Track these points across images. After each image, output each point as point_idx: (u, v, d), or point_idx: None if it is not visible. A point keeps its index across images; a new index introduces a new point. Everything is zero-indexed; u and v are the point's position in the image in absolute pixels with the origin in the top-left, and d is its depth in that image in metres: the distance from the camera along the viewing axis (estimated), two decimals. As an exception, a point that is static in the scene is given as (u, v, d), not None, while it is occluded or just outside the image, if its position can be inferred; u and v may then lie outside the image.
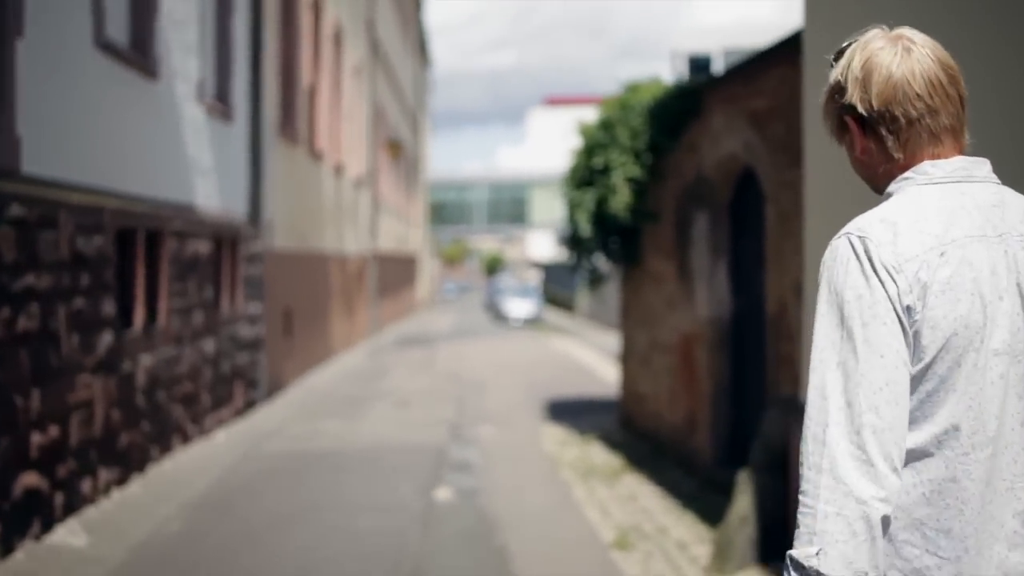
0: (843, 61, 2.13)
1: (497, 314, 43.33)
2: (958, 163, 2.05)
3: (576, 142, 13.03)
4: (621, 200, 11.58)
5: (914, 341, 1.91)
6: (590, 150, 12.27)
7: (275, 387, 16.66)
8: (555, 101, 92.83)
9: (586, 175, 12.38)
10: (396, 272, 39.02)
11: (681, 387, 11.12)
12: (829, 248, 2.00)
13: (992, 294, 1.94)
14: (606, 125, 11.99)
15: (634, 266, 12.87)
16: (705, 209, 10.41)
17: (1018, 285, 1.98)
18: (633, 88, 12.08)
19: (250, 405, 15.06)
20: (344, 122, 25.61)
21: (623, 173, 11.53)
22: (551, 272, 58.54)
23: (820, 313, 1.95)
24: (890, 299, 1.89)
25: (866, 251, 1.93)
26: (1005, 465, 1.94)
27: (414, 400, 16.07)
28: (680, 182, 11.04)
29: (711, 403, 10.25)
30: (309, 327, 20.41)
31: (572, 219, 12.75)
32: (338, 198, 24.52)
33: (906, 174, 2.07)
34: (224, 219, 13.87)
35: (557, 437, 12.77)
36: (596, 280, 14.01)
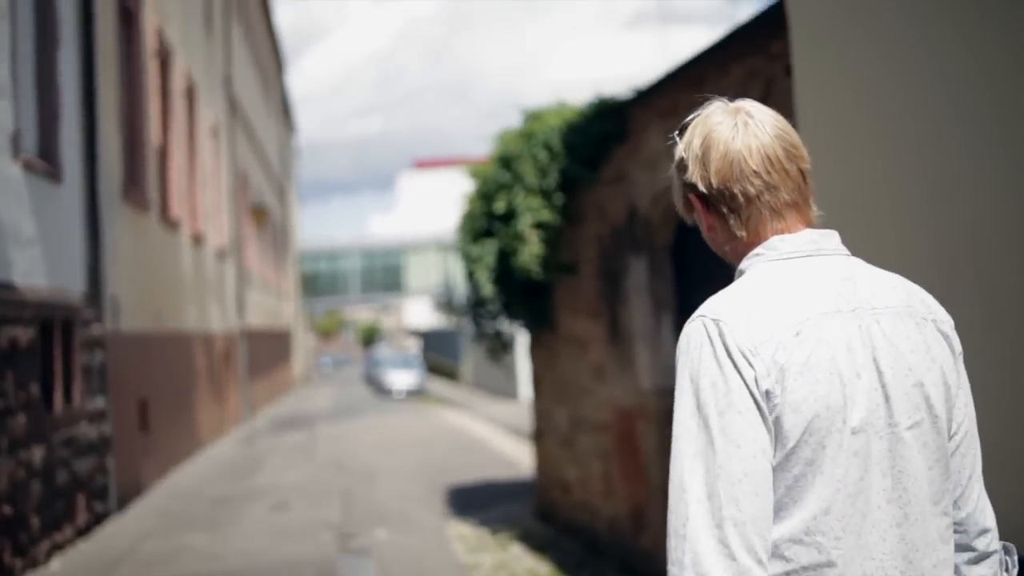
0: (685, 137, 2.11)
1: (378, 387, 41.09)
2: (807, 237, 2.02)
3: (465, 188, 11.10)
4: (530, 251, 9.61)
5: (775, 426, 1.85)
6: (487, 194, 10.32)
7: (130, 494, 14.24)
8: (425, 164, 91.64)
9: (483, 224, 10.42)
10: (269, 349, 36.55)
11: (620, 474, 9.15)
12: (684, 332, 1.93)
13: (850, 371, 1.89)
14: (506, 162, 10.03)
15: (545, 330, 10.92)
16: (642, 255, 8.52)
17: (874, 360, 1.92)
18: (535, 116, 10.18)
19: (98, 520, 12.64)
20: (202, 187, 23.33)
21: (530, 218, 9.57)
22: (431, 339, 56.56)
23: (677, 402, 1.90)
24: (746, 385, 1.84)
25: (720, 335, 1.87)
26: (873, 544, 1.88)
27: (293, 499, 13.80)
28: (604, 224, 9.13)
29: (664, 493, 8.26)
30: (171, 418, 18.00)
31: (470, 278, 10.77)
32: (199, 271, 22.18)
33: (756, 250, 2.03)
34: (53, 298, 11.56)
35: (468, 539, 10.66)
36: (500, 347, 12.03)
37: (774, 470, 1.86)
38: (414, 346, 72.14)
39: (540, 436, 11.61)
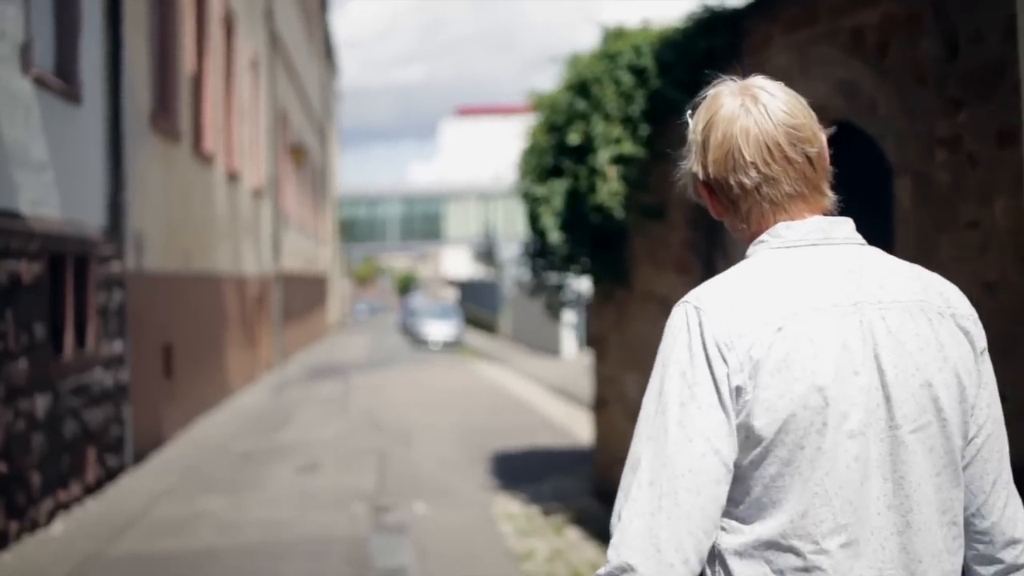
0: (691, 123, 2.00)
1: (414, 337, 39.99)
2: (814, 224, 1.91)
3: (530, 119, 9.80)
4: (609, 189, 8.25)
5: (747, 423, 1.78)
6: (557, 125, 8.98)
7: (149, 445, 13.17)
8: (467, 111, 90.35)
9: (551, 160, 9.08)
10: (304, 294, 35.51)
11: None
12: (672, 312, 1.88)
13: (845, 370, 1.79)
14: (581, 88, 8.65)
15: (618, 285, 9.64)
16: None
17: (876, 358, 1.82)
18: (617, 35, 8.82)
19: (111, 475, 11.57)
20: (239, 123, 22.15)
21: (610, 152, 8.20)
22: (468, 290, 55.44)
23: (651, 379, 1.86)
24: (715, 381, 1.78)
25: (699, 325, 1.81)
26: (871, 552, 1.79)
27: (323, 459, 12.66)
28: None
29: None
30: (197, 364, 16.93)
31: (533, 222, 9.49)
32: (233, 210, 21.05)
33: (761, 237, 1.94)
34: (66, 231, 10.41)
35: (516, 519, 9.46)
36: (564, 304, 10.81)
37: (748, 467, 1.80)
38: (451, 296, 71.25)
39: (602, 405, 10.39)
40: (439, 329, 38.44)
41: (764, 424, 1.77)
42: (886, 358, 1.82)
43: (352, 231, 66.54)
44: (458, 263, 75.82)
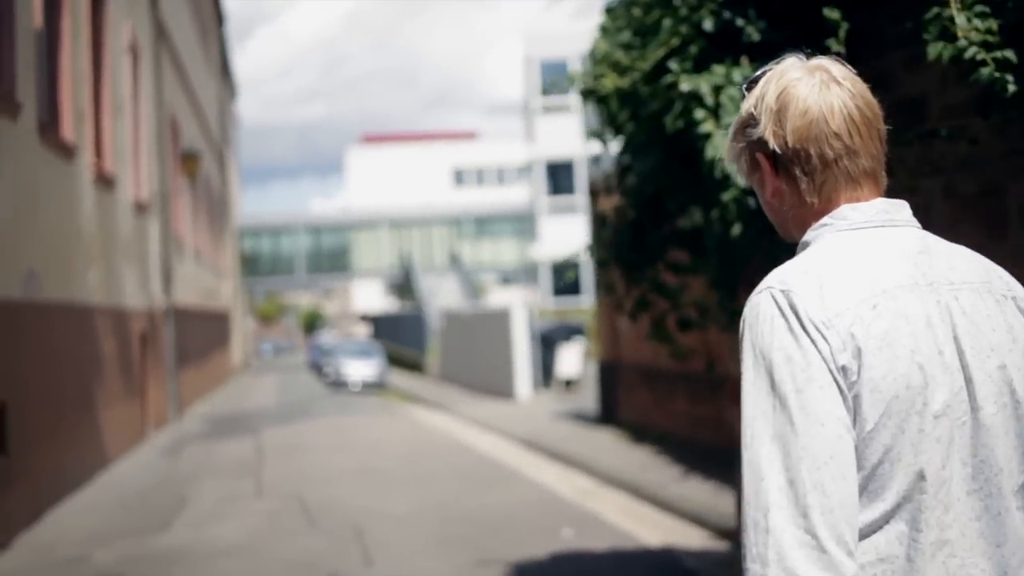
0: (756, 91, 1.95)
1: (330, 379, 35.28)
2: (879, 206, 1.89)
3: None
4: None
5: (854, 406, 1.70)
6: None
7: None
8: (373, 139, 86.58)
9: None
10: (203, 332, 30.64)
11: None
12: (748, 305, 1.80)
13: (931, 349, 1.75)
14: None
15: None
16: None
17: (955, 339, 1.78)
18: None
19: None
20: (114, 117, 17.46)
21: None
22: (386, 325, 50.91)
23: (746, 380, 1.74)
24: (824, 359, 1.69)
25: (791, 306, 1.74)
26: (955, 539, 1.73)
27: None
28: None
29: None
30: (52, 430, 12.21)
31: (629, 142, 5.32)
32: (107, 225, 16.33)
33: (823, 220, 1.89)
34: None
35: None
36: (692, 325, 6.54)
37: None
38: (364, 332, 66.83)
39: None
40: (359, 369, 33.89)
41: (870, 406, 1.70)
42: (964, 339, 1.78)
43: (255, 265, 61.63)
44: (370, 296, 71.32)
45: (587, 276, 40.01)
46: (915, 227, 1.89)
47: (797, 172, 1.88)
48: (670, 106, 4.93)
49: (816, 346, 1.69)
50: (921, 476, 1.70)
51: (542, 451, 14.77)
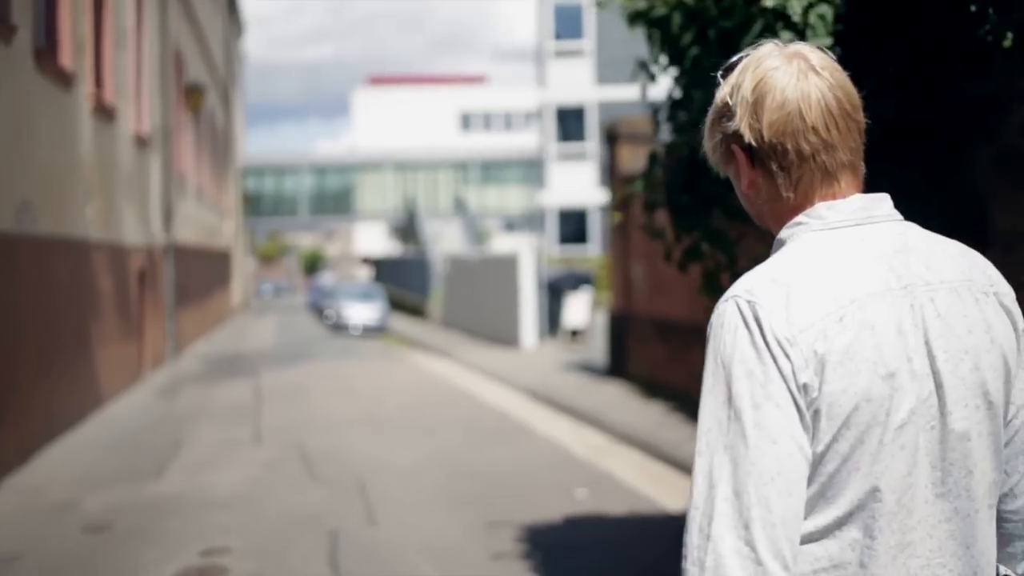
0: (732, 79, 1.87)
1: (331, 321, 34.83)
2: (856, 203, 1.83)
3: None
4: None
5: (813, 422, 1.70)
6: None
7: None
8: (380, 81, 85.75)
9: None
10: (203, 271, 30.18)
11: None
12: (715, 311, 1.77)
13: (898, 358, 1.73)
14: None
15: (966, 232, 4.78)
16: None
17: (926, 343, 1.76)
18: None
19: None
20: (116, 46, 16.88)
21: None
22: (388, 268, 50.35)
23: (706, 387, 1.75)
24: (783, 378, 1.68)
25: (756, 319, 1.71)
26: (919, 541, 1.75)
27: (228, 544, 7.63)
28: None
29: None
30: (44, 367, 11.78)
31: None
32: (106, 158, 15.82)
33: (798, 219, 1.84)
34: None
35: None
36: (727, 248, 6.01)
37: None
38: (365, 275, 66.39)
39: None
40: (361, 312, 33.42)
41: (828, 420, 1.69)
42: (936, 343, 1.77)
43: (258, 205, 61.02)
44: (372, 239, 70.69)
45: (594, 224, 39.52)
46: (896, 220, 1.85)
47: (773, 167, 1.83)
48: (748, 25, 4.40)
49: (777, 363, 1.69)
50: (876, 486, 1.71)
51: (550, 403, 14.33)
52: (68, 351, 13.12)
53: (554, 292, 23.73)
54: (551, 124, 39.46)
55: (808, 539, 1.72)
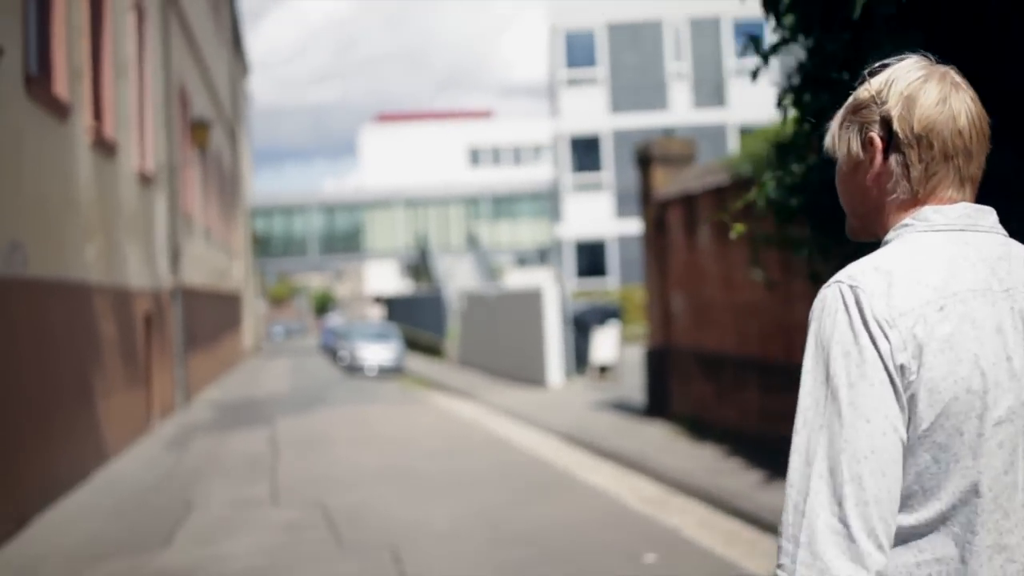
0: (882, 77, 1.93)
1: (345, 363, 33.77)
2: (962, 210, 1.88)
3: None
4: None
5: (909, 405, 1.73)
6: None
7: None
8: (388, 118, 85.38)
9: None
10: (214, 314, 29.20)
11: None
12: (818, 296, 1.83)
13: (997, 355, 1.75)
14: None
15: None
16: None
17: None
18: None
19: None
20: (117, 78, 15.95)
21: None
22: (401, 307, 49.34)
23: (806, 368, 1.79)
24: (881, 357, 1.72)
25: (857, 302, 1.76)
26: (1016, 545, 1.76)
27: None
28: None
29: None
30: (39, 425, 10.74)
31: None
32: (108, 196, 14.84)
33: (905, 220, 1.89)
34: None
35: None
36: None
37: (904, 453, 1.74)
38: (377, 314, 65.50)
39: None
40: (376, 353, 32.34)
41: (927, 407, 1.72)
42: None
43: (267, 246, 60.16)
44: (384, 278, 69.82)
45: (612, 255, 38.50)
46: (1000, 233, 1.88)
47: (914, 158, 1.86)
48: None
49: (875, 343, 1.71)
50: (978, 480, 1.72)
51: (589, 448, 13.21)
52: (68, 403, 12.10)
53: (580, 327, 22.65)
54: (565, 154, 38.51)
55: (914, 534, 1.73)
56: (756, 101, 37.26)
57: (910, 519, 1.73)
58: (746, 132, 28.04)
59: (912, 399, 1.71)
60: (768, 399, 11.49)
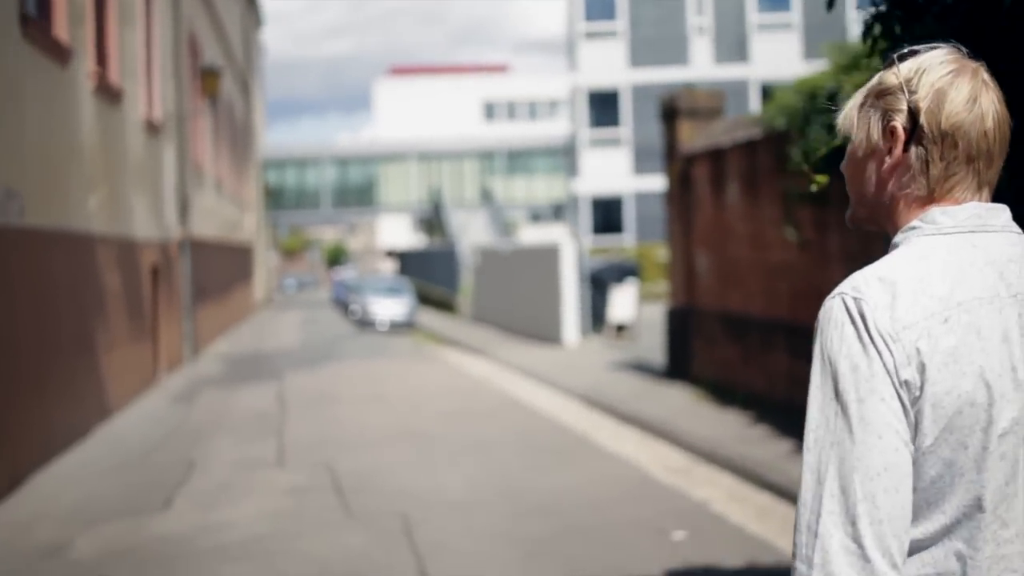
0: (912, 64, 1.83)
1: (356, 317, 33.34)
2: (971, 210, 1.79)
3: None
4: None
5: (916, 420, 1.69)
6: None
7: None
8: (402, 71, 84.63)
9: None
10: (224, 266, 28.78)
11: None
12: (823, 308, 1.78)
13: (1003, 365, 1.70)
14: None
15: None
16: None
17: None
18: None
19: None
20: (121, 22, 15.41)
21: None
22: (413, 261, 48.79)
23: (814, 384, 1.74)
24: (888, 372, 1.68)
25: (861, 315, 1.70)
26: (1015, 555, 1.72)
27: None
28: None
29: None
30: (39, 377, 10.31)
31: None
32: (112, 144, 14.35)
33: (913, 223, 1.82)
34: None
35: None
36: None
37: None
38: (389, 268, 65.05)
39: None
40: (388, 307, 31.86)
41: (931, 422, 1.68)
42: None
43: (279, 198, 59.67)
44: (397, 232, 69.30)
45: (629, 212, 37.91)
46: (1013, 232, 1.81)
47: (935, 156, 1.78)
48: None
49: (882, 358, 1.66)
50: (981, 495, 1.68)
51: (609, 411, 12.75)
52: (68, 357, 11.67)
53: (597, 285, 22.14)
54: (583, 109, 37.83)
55: (917, 547, 1.69)
56: (779, 57, 36.61)
57: (915, 532, 1.70)
58: (768, 88, 27.34)
59: (918, 415, 1.67)
60: (797, 364, 10.98)
